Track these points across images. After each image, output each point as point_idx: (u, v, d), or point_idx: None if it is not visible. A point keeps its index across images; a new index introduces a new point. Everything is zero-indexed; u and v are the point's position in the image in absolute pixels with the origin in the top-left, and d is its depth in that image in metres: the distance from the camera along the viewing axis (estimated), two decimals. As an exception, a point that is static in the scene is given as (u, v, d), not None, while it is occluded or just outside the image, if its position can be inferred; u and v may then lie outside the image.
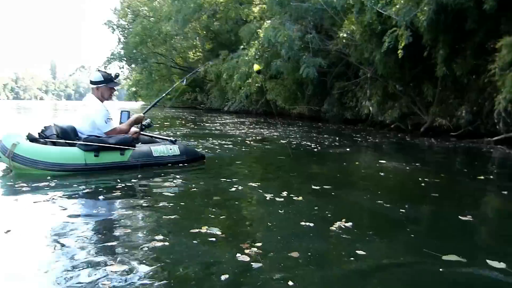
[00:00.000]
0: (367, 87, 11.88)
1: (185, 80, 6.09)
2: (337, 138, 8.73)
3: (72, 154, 3.86)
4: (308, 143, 7.37)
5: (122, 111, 4.64)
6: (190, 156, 4.60)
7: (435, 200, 3.37)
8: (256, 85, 15.51)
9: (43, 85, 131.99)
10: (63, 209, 2.72)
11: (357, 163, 5.25)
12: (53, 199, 3.00)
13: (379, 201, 3.13)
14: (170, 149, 4.47)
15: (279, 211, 2.81)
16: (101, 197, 3.07)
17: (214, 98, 27.34)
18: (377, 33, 9.81)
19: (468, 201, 3.53)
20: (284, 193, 3.26)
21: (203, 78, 27.78)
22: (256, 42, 13.50)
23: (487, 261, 1.97)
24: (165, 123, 12.75)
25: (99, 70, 4.34)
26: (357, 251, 2.04)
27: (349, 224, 2.48)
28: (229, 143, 7.01)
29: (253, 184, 3.59)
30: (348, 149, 6.75)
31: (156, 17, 23.77)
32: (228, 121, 14.87)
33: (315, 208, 2.90)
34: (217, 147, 6.37)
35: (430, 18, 7.77)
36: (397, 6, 8.39)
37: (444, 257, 2.00)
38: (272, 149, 6.25)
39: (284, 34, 10.08)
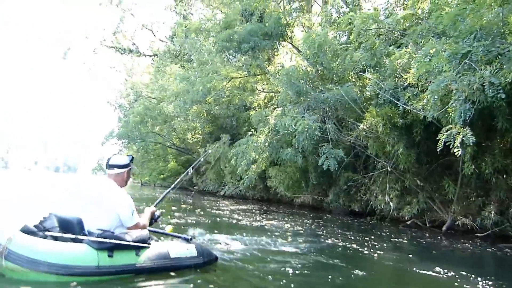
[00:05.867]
0: (383, 181, 11.45)
1: (191, 170, 6.16)
2: (364, 236, 8.00)
3: (82, 254, 3.03)
4: (341, 243, 6.63)
5: None
6: (207, 257, 3.85)
7: None
8: (258, 170, 15.05)
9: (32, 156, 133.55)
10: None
11: (419, 276, 4.49)
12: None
13: None
14: (187, 249, 3.73)
15: None
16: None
17: (210, 181, 26.68)
18: (398, 126, 9.63)
19: None
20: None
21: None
22: (265, 128, 13.27)
23: None
24: (173, 207, 11.94)
25: (116, 154, 3.93)
26: None
27: None
28: (265, 240, 6.13)
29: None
30: (392, 253, 6.04)
31: (159, 98, 23.97)
32: (231, 207, 14.14)
33: None
34: (254, 246, 5.63)
35: (458, 113, 7.48)
36: (424, 101, 8.19)
37: None
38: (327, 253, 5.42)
39: (304, 124, 9.76)
